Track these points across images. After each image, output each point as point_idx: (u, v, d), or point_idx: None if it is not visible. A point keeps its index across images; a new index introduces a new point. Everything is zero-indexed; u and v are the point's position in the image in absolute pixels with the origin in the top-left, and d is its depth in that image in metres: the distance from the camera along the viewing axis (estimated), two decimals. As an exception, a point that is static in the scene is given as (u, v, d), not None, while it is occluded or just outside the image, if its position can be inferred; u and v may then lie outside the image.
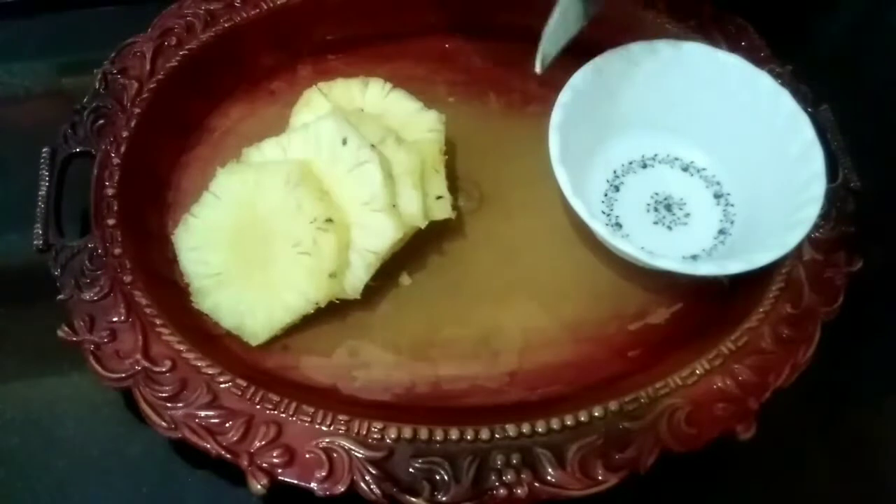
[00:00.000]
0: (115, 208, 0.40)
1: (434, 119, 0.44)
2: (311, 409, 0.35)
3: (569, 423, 0.35)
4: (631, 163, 0.46)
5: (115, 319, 0.37)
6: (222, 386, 0.36)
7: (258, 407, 0.35)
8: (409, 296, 0.41)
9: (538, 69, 0.40)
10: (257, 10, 0.46)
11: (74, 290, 0.38)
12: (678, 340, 0.40)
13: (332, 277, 0.38)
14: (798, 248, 0.39)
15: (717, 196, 0.44)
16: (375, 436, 0.35)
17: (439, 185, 0.42)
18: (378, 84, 0.45)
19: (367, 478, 0.34)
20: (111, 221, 0.40)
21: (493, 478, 0.34)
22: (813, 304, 0.39)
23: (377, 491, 0.33)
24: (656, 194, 0.45)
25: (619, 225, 0.44)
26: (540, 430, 0.35)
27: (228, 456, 0.34)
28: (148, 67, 0.44)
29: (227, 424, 0.35)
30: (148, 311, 0.38)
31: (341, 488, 0.33)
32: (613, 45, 0.43)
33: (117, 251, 0.39)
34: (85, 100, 0.43)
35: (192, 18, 0.46)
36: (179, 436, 0.34)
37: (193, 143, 0.46)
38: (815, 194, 0.39)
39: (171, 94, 0.44)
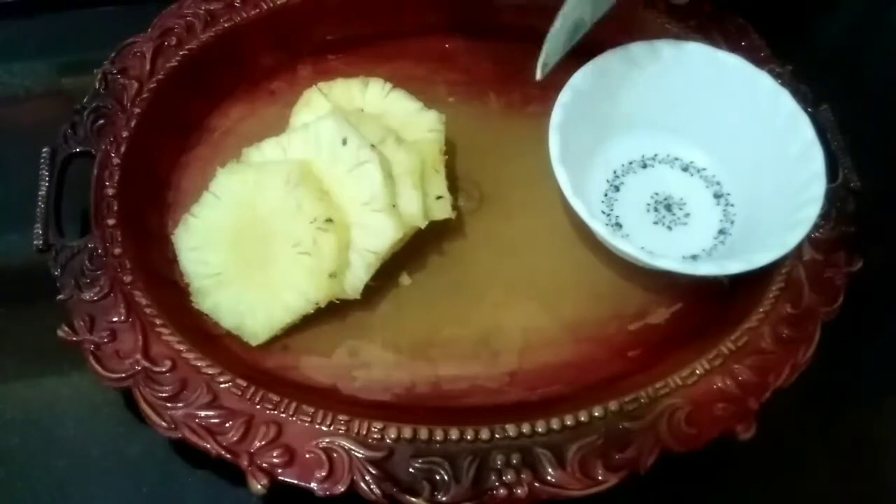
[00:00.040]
0: (115, 208, 0.40)
1: (434, 119, 0.44)
2: (311, 409, 0.35)
3: (569, 423, 0.35)
4: (631, 163, 0.46)
5: (115, 319, 0.37)
6: (222, 386, 0.36)
7: (258, 407, 0.35)
8: (409, 296, 0.41)
9: (539, 76, 0.40)
10: (257, 10, 0.46)
11: (74, 290, 0.38)
12: (678, 340, 0.40)
13: (332, 277, 0.38)
14: (798, 248, 0.39)
15: (717, 196, 0.44)
16: (375, 436, 0.35)
17: (439, 185, 0.42)
18: (378, 84, 0.45)
19: (367, 478, 0.34)
20: (111, 221, 0.40)
21: (493, 478, 0.34)
22: (813, 304, 0.39)
23: (377, 491, 0.33)
24: (656, 194, 0.45)
25: (619, 225, 0.44)
26: (540, 430, 0.35)
27: (228, 456, 0.34)
28: (148, 67, 0.44)
29: (227, 424, 0.35)
30: (148, 311, 0.38)
31: (341, 488, 0.33)
32: (613, 45, 0.43)
33: (117, 251, 0.39)
34: (85, 100, 0.43)
35: (192, 18, 0.46)
36: (179, 436, 0.34)
37: (193, 143, 0.46)
38: (815, 194, 0.39)
39: (171, 94, 0.44)
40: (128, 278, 0.38)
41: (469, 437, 0.35)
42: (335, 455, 0.34)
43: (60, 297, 0.38)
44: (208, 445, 0.34)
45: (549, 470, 0.34)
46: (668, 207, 0.44)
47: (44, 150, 0.42)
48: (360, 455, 0.34)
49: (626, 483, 0.34)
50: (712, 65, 0.43)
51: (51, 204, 0.40)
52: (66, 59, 0.52)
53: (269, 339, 0.39)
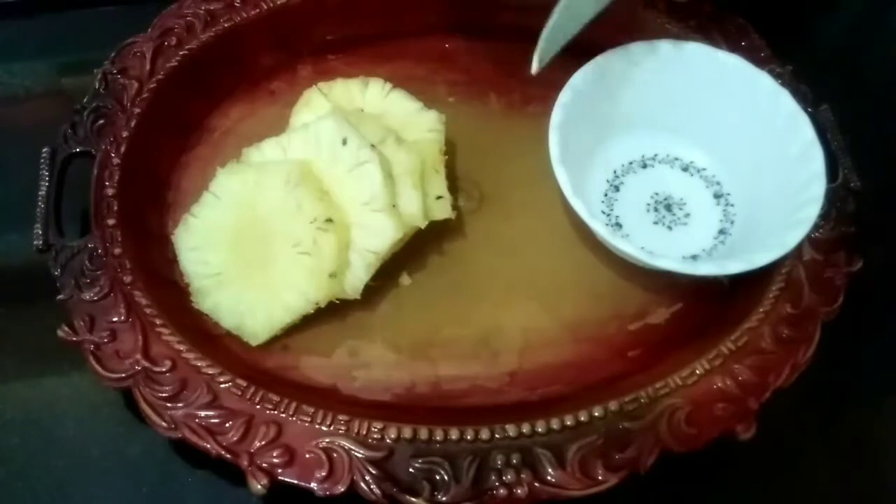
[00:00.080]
0: (115, 208, 0.40)
1: (434, 119, 0.44)
2: (311, 409, 0.35)
3: (569, 423, 0.35)
4: (631, 163, 0.46)
5: (115, 319, 0.37)
6: (222, 386, 0.36)
7: (258, 407, 0.35)
8: (409, 296, 0.41)
9: (534, 69, 0.40)
10: (257, 10, 0.46)
11: (74, 290, 0.38)
12: (678, 340, 0.40)
13: (332, 277, 0.38)
14: (798, 248, 0.39)
15: (717, 196, 0.44)
16: (375, 436, 0.35)
17: (439, 185, 0.42)
18: (378, 84, 0.45)
19: (367, 478, 0.34)
20: (111, 221, 0.40)
21: (493, 478, 0.34)
22: (813, 304, 0.39)
23: (377, 491, 0.33)
24: (656, 194, 0.45)
25: (619, 225, 0.44)
26: (540, 430, 0.35)
27: (228, 456, 0.34)
28: (148, 67, 0.44)
29: (227, 424, 0.35)
30: (148, 311, 0.38)
31: (341, 488, 0.33)
32: (613, 45, 0.43)
33: (117, 251, 0.39)
34: (85, 100, 0.43)
35: (192, 18, 0.46)
36: (179, 436, 0.34)
37: (193, 143, 0.46)
38: (815, 194, 0.39)
39: (171, 94, 0.44)
40: (128, 278, 0.38)
41: (469, 437, 0.35)
42: (335, 455, 0.34)
43: (60, 297, 0.38)
44: (208, 445, 0.34)
45: (549, 470, 0.34)
46: (668, 207, 0.44)
47: (44, 150, 0.42)
48: (360, 455, 0.34)
49: (626, 483, 0.34)
50: (712, 65, 0.43)
51: (51, 204, 0.40)
52: (66, 59, 0.52)
53: (269, 339, 0.39)
